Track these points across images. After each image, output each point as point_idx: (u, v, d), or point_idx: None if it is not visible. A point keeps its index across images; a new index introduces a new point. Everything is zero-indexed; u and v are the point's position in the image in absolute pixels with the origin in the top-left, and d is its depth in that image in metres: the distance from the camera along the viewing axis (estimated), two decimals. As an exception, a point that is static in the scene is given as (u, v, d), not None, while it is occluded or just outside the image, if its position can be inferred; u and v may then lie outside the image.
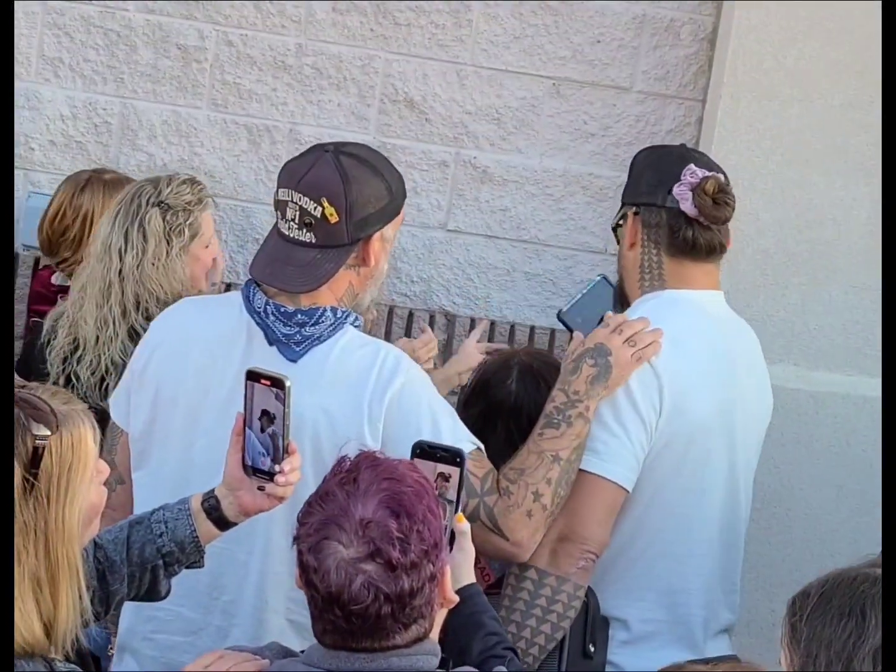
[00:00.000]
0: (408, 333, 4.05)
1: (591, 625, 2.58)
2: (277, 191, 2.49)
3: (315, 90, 4.01)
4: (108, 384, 3.15)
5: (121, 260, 3.23)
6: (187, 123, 3.99)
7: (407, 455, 2.19)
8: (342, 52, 4.00)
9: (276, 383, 2.17)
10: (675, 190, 2.67)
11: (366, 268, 2.47)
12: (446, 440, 2.36)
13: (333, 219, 2.41)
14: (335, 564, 1.85)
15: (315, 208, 2.41)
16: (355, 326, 2.47)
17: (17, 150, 3.92)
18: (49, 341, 3.31)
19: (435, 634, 1.95)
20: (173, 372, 2.48)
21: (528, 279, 4.11)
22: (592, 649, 2.58)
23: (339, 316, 2.44)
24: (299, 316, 2.43)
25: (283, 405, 2.16)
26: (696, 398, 2.64)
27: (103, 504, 1.98)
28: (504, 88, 4.04)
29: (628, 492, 2.61)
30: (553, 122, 4.07)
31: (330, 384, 2.40)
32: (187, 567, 2.25)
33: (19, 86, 3.91)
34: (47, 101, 3.94)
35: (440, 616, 1.97)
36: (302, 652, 1.98)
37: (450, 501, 2.15)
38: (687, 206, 2.66)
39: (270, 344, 2.43)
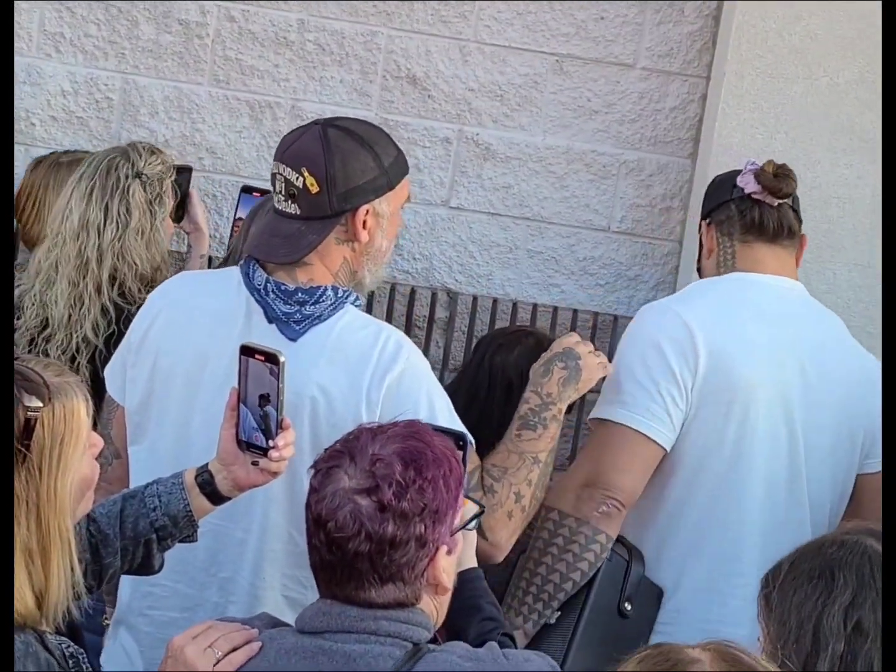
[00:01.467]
0: (409, 311, 4.04)
1: (631, 585, 2.61)
2: (273, 161, 2.49)
3: (317, 66, 3.99)
4: (79, 362, 3.15)
5: (99, 236, 3.23)
6: (189, 99, 3.97)
7: None
8: (344, 28, 3.98)
9: (271, 358, 2.16)
10: (739, 179, 2.87)
11: (359, 243, 2.45)
12: None
13: (314, 189, 2.39)
14: (333, 490, 1.88)
15: (297, 178, 2.40)
16: (356, 306, 2.45)
17: (18, 126, 3.90)
18: None
19: (430, 612, 1.94)
20: (171, 346, 2.47)
21: (530, 257, 4.09)
22: (629, 607, 2.60)
23: (339, 295, 2.43)
24: (300, 294, 2.41)
25: (278, 380, 2.16)
26: (740, 361, 2.69)
27: (96, 477, 1.97)
28: (507, 65, 4.02)
29: (662, 447, 2.65)
30: (556, 98, 4.04)
31: (329, 363, 2.38)
32: (181, 541, 2.25)
33: (20, 61, 3.89)
34: (48, 77, 3.92)
35: (440, 603, 1.95)
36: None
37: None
38: (751, 187, 2.83)
39: (270, 322, 2.42)
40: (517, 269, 4.09)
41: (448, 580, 1.94)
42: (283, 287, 2.42)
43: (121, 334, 3.23)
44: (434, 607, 1.94)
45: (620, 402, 2.66)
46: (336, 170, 2.39)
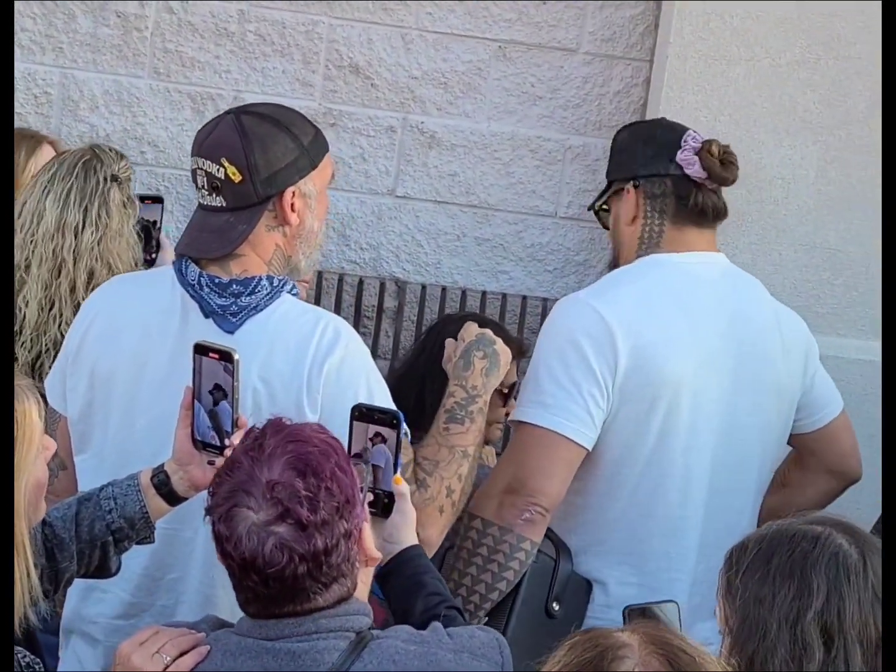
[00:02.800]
0: (358, 301, 4.02)
1: (559, 584, 2.58)
2: (191, 159, 2.45)
3: (259, 57, 3.95)
4: (42, 362, 3.11)
5: (75, 238, 3.17)
6: (129, 93, 3.93)
7: (344, 426, 2.19)
8: (285, 18, 3.95)
9: (225, 356, 2.14)
10: (680, 156, 2.68)
11: (289, 227, 2.41)
12: None
13: (237, 178, 2.36)
14: (246, 530, 1.85)
15: (218, 170, 2.37)
16: (292, 294, 2.43)
17: (-45, 123, 3.85)
18: None
19: (361, 594, 1.94)
20: (108, 351, 2.43)
21: (478, 244, 4.08)
22: (556, 607, 2.57)
23: (275, 285, 2.40)
24: (234, 286, 2.38)
25: (232, 378, 2.14)
26: (664, 355, 2.62)
27: (47, 481, 1.95)
28: (450, 52, 4.00)
29: (584, 448, 2.59)
30: (500, 85, 4.03)
31: (268, 354, 2.36)
32: (137, 543, 2.22)
33: (-44, 57, 3.83)
34: (-15, 73, 3.86)
35: (365, 575, 1.95)
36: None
37: (375, 466, 2.13)
38: (694, 170, 2.68)
39: (206, 316, 2.39)
40: (465, 256, 4.08)
41: (374, 549, 1.95)
42: (216, 280, 2.39)
43: None
44: (363, 584, 1.94)
45: (541, 404, 2.59)
46: (256, 156, 2.36)
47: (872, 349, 4.03)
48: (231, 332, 2.37)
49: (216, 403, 2.16)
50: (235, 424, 2.15)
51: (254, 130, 2.38)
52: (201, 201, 2.42)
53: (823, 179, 3.98)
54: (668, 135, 2.74)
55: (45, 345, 3.12)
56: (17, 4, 3.86)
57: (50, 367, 2.88)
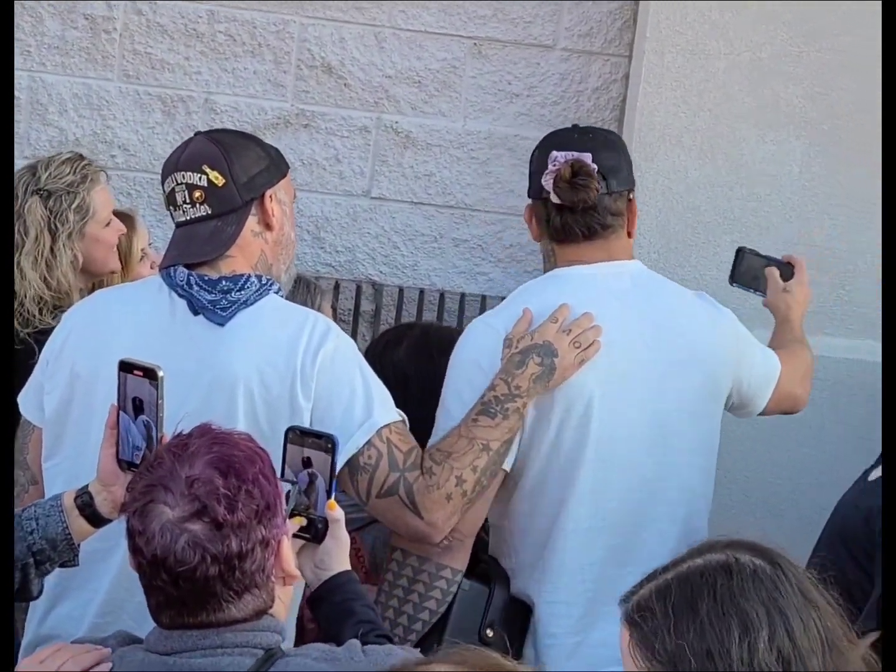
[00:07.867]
0: (334, 304, 3.96)
1: (493, 610, 2.54)
2: (163, 185, 2.47)
3: (229, 58, 3.90)
4: None
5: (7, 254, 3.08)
6: (98, 96, 3.88)
7: (342, 414, 2.24)
8: (255, 18, 3.89)
9: (149, 373, 2.10)
10: (543, 180, 2.61)
11: (271, 233, 2.47)
12: (376, 406, 2.37)
13: (220, 181, 2.42)
14: (160, 526, 1.79)
15: (200, 178, 2.42)
16: (279, 295, 2.46)
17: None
18: None
19: (279, 611, 1.88)
20: (90, 352, 2.42)
21: (456, 245, 4.01)
22: (490, 634, 2.53)
23: (263, 283, 2.43)
24: (224, 283, 2.41)
25: (157, 396, 2.09)
26: None
27: None
28: (424, 50, 3.93)
29: (503, 469, 2.53)
30: (476, 83, 3.96)
31: (260, 345, 2.37)
32: (61, 566, 2.16)
33: (-78, 62, 3.79)
34: (-48, 78, 3.82)
35: (284, 593, 1.89)
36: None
37: (294, 484, 2.08)
38: (552, 196, 2.60)
39: (196, 313, 2.39)
40: (443, 258, 4.01)
41: (293, 567, 1.89)
42: (205, 278, 2.41)
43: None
44: (281, 601, 1.88)
45: None
46: (234, 162, 2.44)
47: (860, 348, 3.94)
48: (222, 325, 2.38)
49: (144, 423, 2.11)
50: (159, 443, 2.09)
51: (227, 141, 2.47)
52: (182, 218, 2.45)
53: (808, 175, 3.89)
54: (541, 157, 2.66)
55: None
56: (-17, 8, 3.83)
57: None
